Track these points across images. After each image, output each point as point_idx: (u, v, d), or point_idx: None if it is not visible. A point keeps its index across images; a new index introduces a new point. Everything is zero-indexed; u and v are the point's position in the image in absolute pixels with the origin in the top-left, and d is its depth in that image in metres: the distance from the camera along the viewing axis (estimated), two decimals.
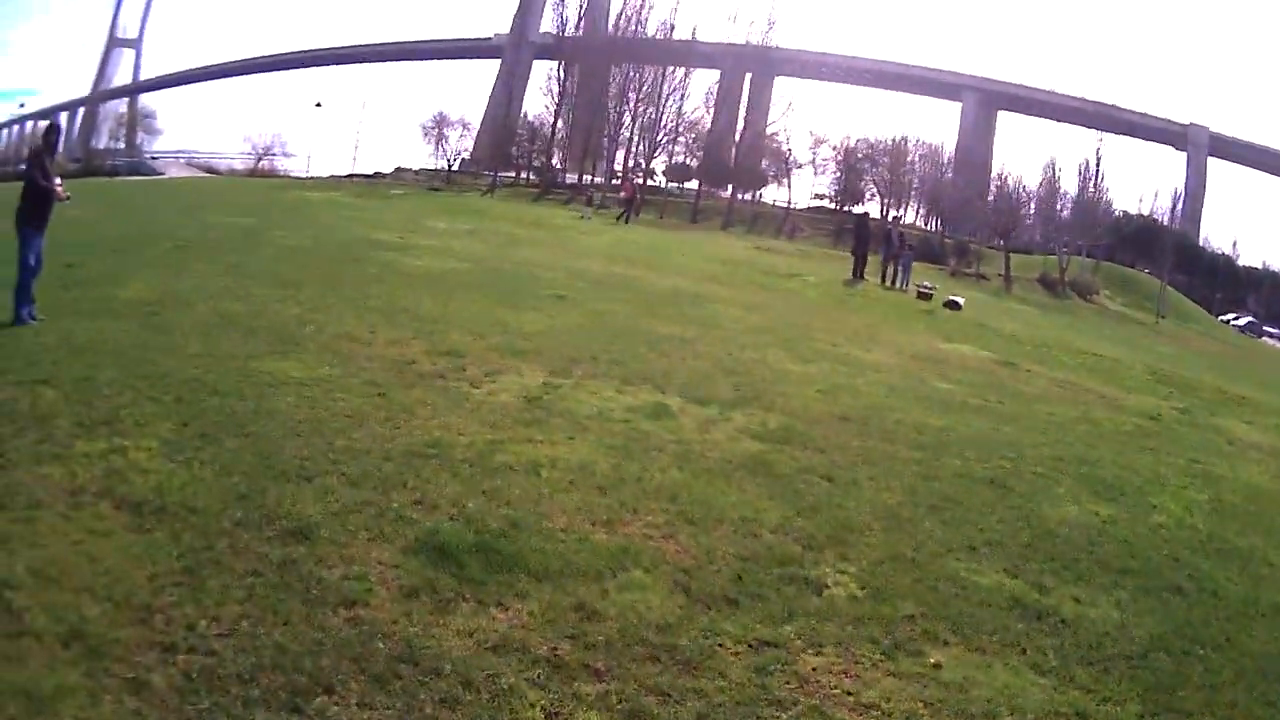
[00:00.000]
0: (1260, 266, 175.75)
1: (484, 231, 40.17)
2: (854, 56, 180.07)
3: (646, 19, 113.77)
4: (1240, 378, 45.78)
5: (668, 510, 9.62)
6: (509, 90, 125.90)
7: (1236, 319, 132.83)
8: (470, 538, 8.20)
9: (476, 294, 21.83)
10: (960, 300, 36.73)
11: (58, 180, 15.76)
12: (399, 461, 9.98)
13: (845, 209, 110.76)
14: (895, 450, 12.76)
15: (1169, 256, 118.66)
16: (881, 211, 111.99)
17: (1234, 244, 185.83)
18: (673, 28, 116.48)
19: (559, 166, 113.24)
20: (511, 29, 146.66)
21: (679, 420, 12.81)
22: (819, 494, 10.67)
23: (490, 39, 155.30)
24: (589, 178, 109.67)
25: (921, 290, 37.90)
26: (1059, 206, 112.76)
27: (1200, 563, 10.38)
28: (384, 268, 24.84)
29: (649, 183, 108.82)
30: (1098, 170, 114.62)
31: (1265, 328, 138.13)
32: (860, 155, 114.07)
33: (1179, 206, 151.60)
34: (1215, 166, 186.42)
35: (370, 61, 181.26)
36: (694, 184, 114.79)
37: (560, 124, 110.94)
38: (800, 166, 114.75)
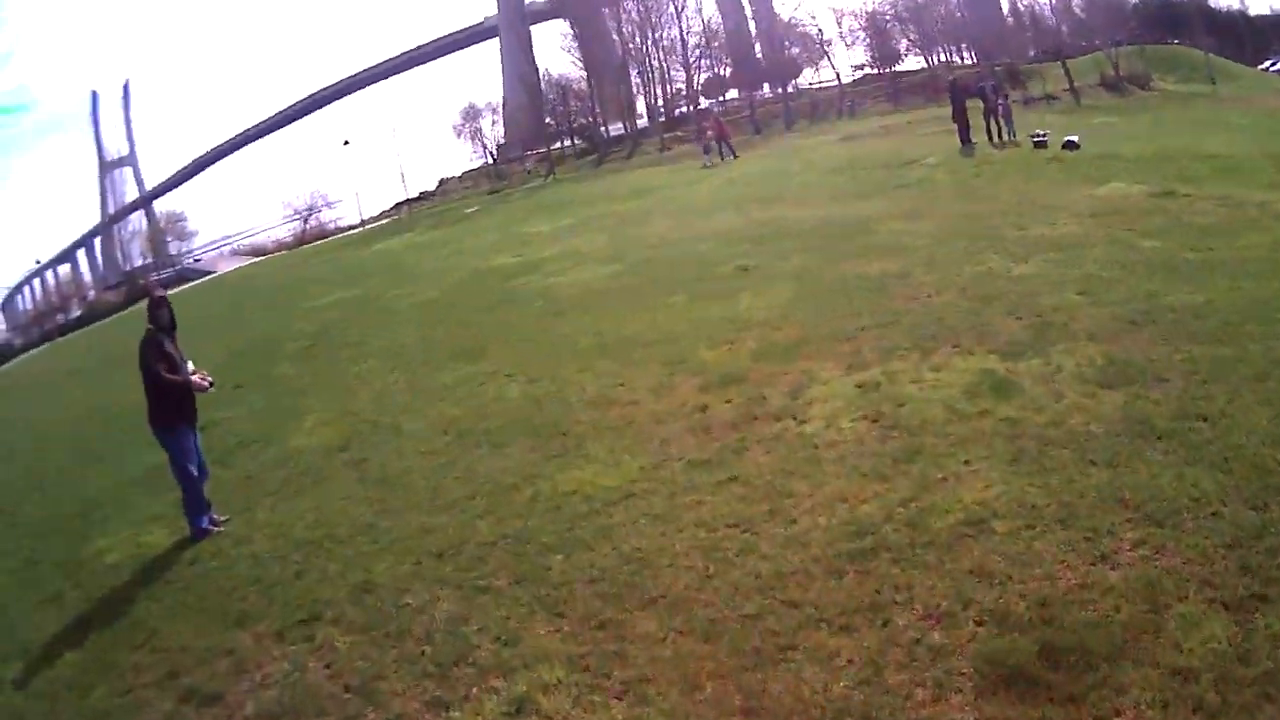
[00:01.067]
0: (1270, 12, 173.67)
1: (591, 221, 39.08)
2: None
3: None
4: None
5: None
6: (523, 63, 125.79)
7: (1274, 64, 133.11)
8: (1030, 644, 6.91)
9: (661, 295, 21.07)
10: (1076, 139, 35.93)
11: (190, 365, 13.07)
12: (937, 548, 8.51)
13: (890, 71, 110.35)
14: (1232, 352, 11.78)
15: (1200, 24, 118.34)
16: (927, 62, 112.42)
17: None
18: None
19: (601, 121, 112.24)
20: (499, 6, 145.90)
21: (1026, 390, 11.66)
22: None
23: (483, 22, 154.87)
24: (625, 126, 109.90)
25: (1036, 140, 37.14)
26: (1079, 10, 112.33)
27: None
28: (540, 295, 24.10)
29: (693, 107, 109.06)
30: None
31: None
32: (885, 16, 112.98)
33: None
34: None
35: (379, 81, 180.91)
36: (733, 94, 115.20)
37: (592, 80, 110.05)
38: (830, 44, 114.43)
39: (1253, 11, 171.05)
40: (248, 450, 16.55)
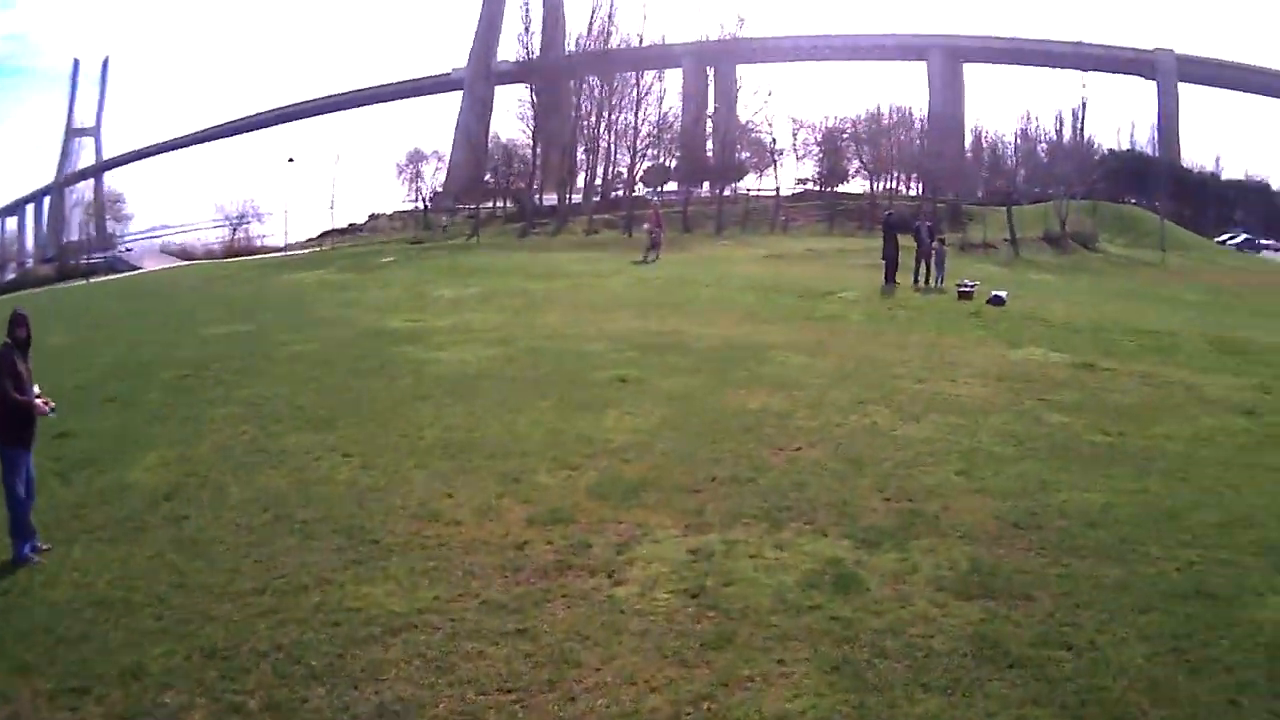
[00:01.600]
0: (1244, 177, 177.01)
1: (496, 296, 38.03)
2: (818, 35, 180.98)
3: (611, 31, 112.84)
4: (1269, 313, 46.54)
5: None
6: (475, 122, 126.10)
7: (1232, 238, 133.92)
8: None
9: (531, 395, 19.92)
10: (1003, 294, 35.05)
11: (35, 389, 12.72)
12: None
13: (831, 190, 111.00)
14: (1119, 575, 11.04)
15: (1163, 187, 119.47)
16: (870, 187, 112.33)
17: (1216, 160, 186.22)
18: (641, 37, 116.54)
19: (536, 189, 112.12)
20: (470, 60, 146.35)
21: (871, 589, 10.64)
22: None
23: (450, 74, 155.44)
24: (563, 197, 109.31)
25: (962, 290, 36.16)
26: (1043, 154, 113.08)
27: None
28: (413, 371, 23.05)
29: (628, 193, 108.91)
30: (1083, 110, 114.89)
31: (1261, 241, 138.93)
32: (843, 134, 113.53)
33: (1156, 135, 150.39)
34: (1185, 91, 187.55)
35: (337, 110, 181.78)
36: (671, 186, 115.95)
37: (539, 148, 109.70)
38: (782, 154, 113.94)
39: (1225, 175, 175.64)
40: (89, 470, 16.20)
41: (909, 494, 13.70)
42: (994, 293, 35.20)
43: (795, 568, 11.15)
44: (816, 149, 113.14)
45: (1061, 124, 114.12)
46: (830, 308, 33.02)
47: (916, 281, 39.70)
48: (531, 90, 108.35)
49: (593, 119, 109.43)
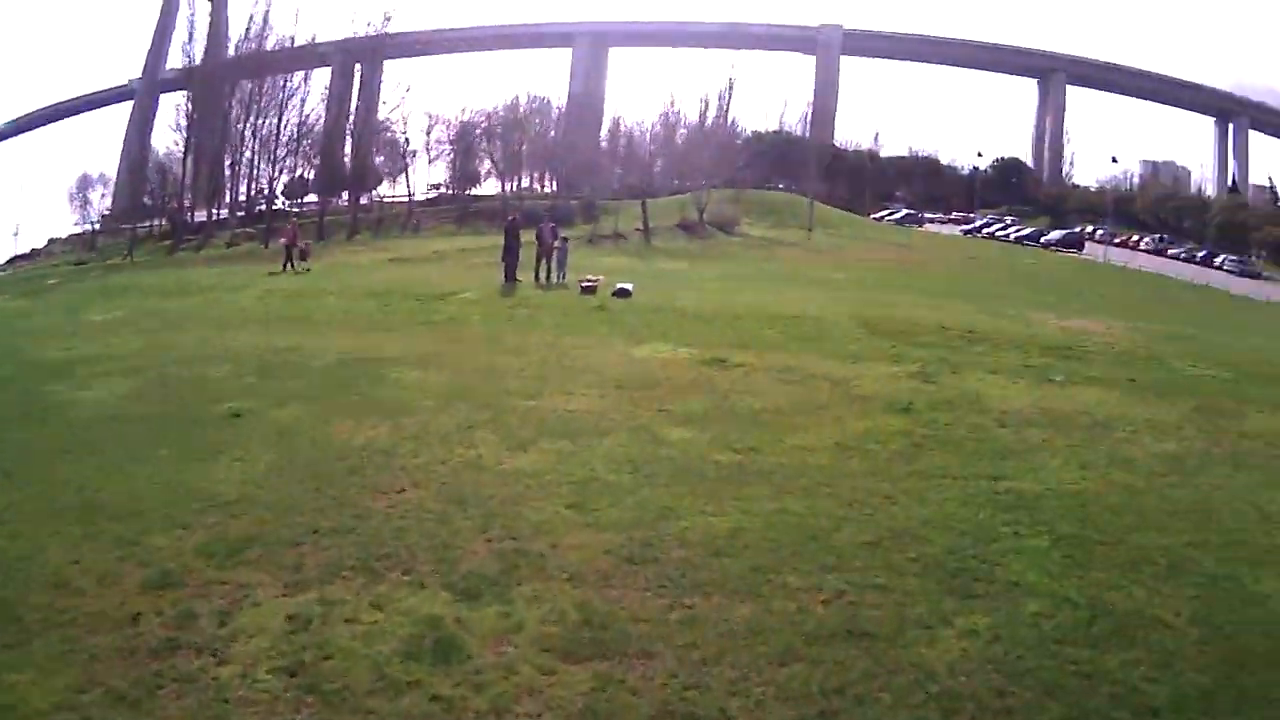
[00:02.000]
0: (907, 154, 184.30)
1: (140, 317, 35.10)
2: (469, 27, 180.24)
3: (267, 34, 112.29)
4: (930, 290, 49.27)
5: None
6: (136, 136, 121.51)
7: (892, 214, 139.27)
8: None
9: (153, 442, 17.71)
10: (629, 287, 34.87)
11: None
12: None
13: (464, 193, 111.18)
14: (752, 614, 10.45)
15: (810, 169, 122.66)
16: (502, 187, 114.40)
17: (875, 137, 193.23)
18: (293, 39, 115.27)
19: (188, 207, 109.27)
20: (143, 72, 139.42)
21: (473, 655, 9.76)
22: None
23: (127, 84, 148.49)
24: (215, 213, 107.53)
25: (585, 285, 35.88)
26: (681, 143, 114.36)
27: None
28: (58, 414, 20.55)
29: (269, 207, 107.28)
30: (729, 94, 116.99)
31: (926, 215, 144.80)
32: (477, 130, 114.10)
33: (809, 115, 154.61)
34: (850, 65, 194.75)
35: (21, 133, 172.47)
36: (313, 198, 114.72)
37: (190, 160, 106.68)
38: (415, 156, 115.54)
39: (885, 153, 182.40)
40: None
41: (513, 530, 12.97)
42: (619, 285, 34.97)
43: (393, 633, 10.26)
44: (449, 148, 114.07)
45: (706, 109, 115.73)
46: (450, 309, 32.01)
47: (537, 279, 39.34)
48: (187, 100, 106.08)
49: (239, 126, 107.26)
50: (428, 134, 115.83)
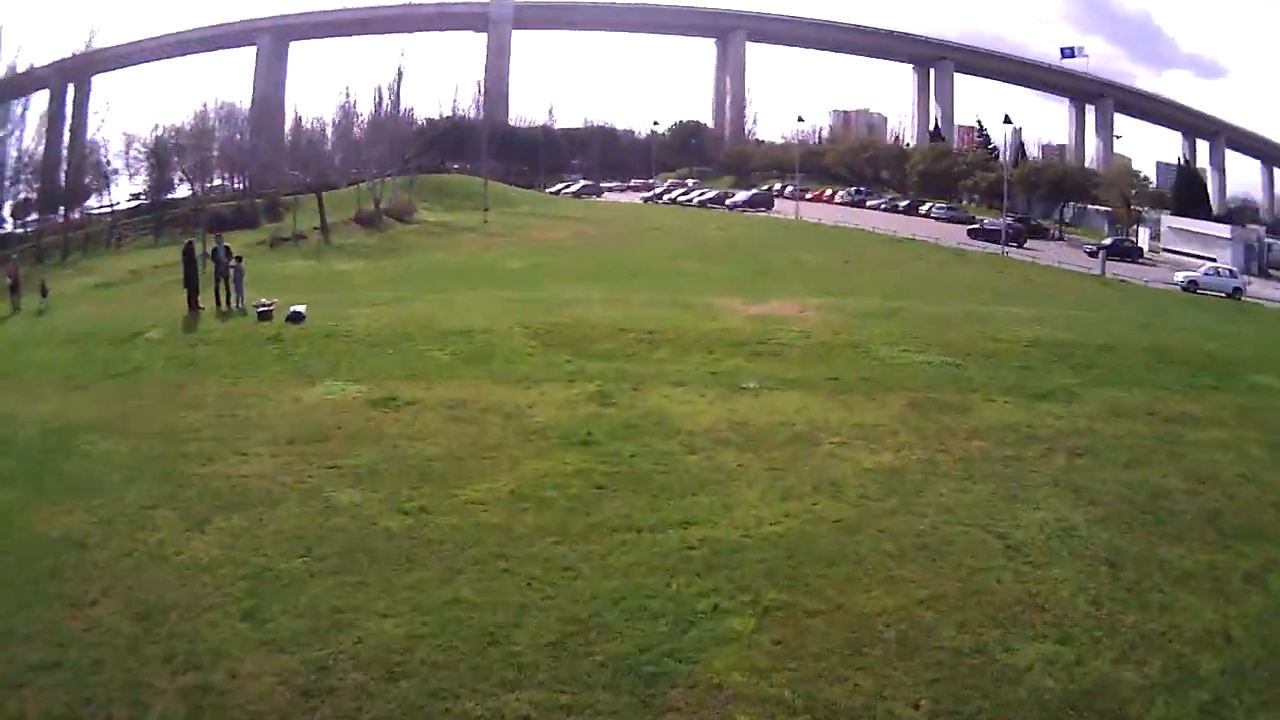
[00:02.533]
0: (583, 124, 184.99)
1: None
2: (159, 35, 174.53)
3: None
4: (608, 273, 49.75)
5: None
6: None
7: (568, 187, 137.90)
8: None
9: None
10: (302, 309, 33.63)
11: None
12: None
13: (160, 201, 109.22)
14: None
15: (481, 148, 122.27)
16: (195, 191, 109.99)
17: (550, 111, 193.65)
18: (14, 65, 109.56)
19: None
20: None
21: None
22: None
23: None
24: None
25: (261, 309, 34.44)
26: (359, 134, 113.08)
27: None
28: None
29: None
30: (399, 81, 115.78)
31: (603, 184, 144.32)
32: (169, 143, 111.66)
33: (480, 95, 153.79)
34: (524, 40, 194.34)
35: None
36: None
37: None
38: (116, 174, 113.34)
39: (561, 124, 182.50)
40: None
41: (196, 660, 11.90)
42: (292, 308, 33.85)
43: None
44: (145, 164, 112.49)
45: (381, 99, 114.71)
46: (137, 355, 30.52)
47: (218, 303, 37.79)
48: None
49: None
50: (126, 151, 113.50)
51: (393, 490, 17.08)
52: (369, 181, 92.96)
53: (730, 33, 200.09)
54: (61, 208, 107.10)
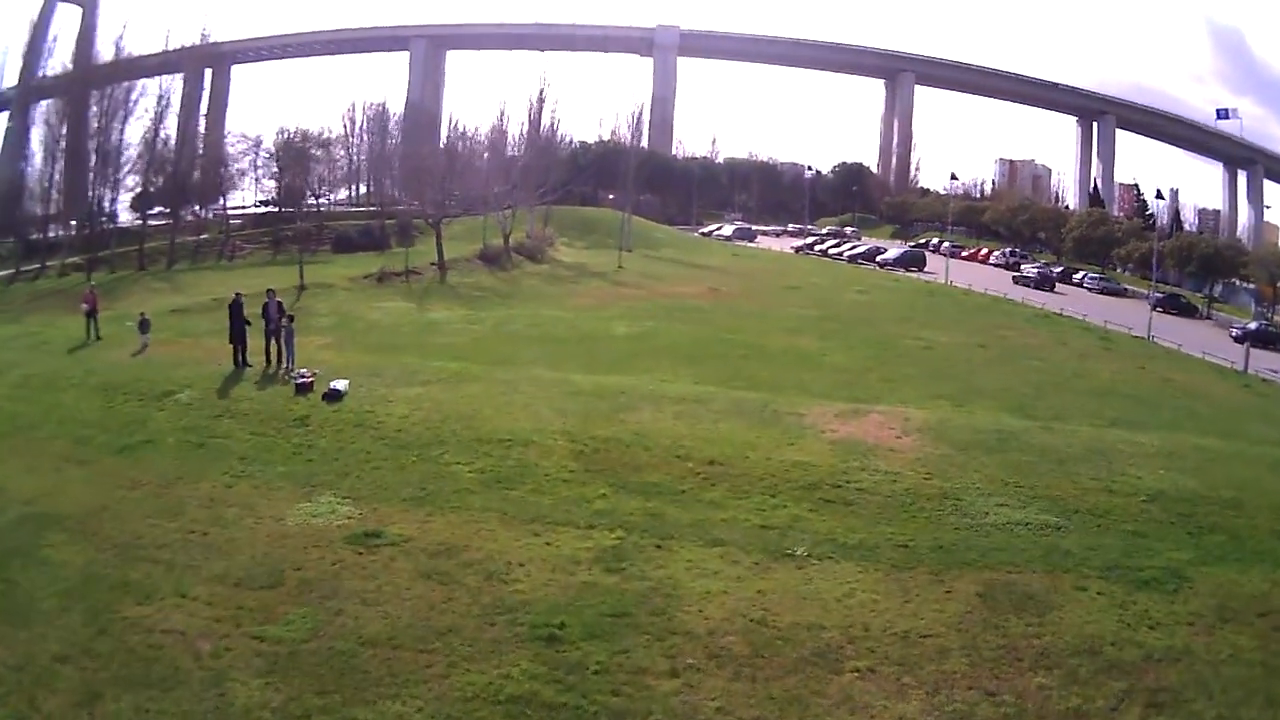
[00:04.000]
0: (753, 157, 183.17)
1: None
2: (309, 31, 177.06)
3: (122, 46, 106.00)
4: (717, 352, 45.99)
5: None
6: (21, 144, 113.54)
7: (720, 229, 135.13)
8: None
9: None
10: (342, 386, 31.62)
11: None
12: None
13: (287, 210, 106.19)
14: None
15: (630, 179, 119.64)
16: (319, 204, 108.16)
17: (713, 142, 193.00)
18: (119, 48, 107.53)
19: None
20: (21, 76, 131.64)
21: None
22: None
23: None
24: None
25: (300, 381, 32.49)
26: (511, 153, 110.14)
27: None
28: None
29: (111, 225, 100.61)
30: (553, 102, 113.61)
31: (758, 228, 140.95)
32: (297, 147, 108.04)
33: (634, 121, 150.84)
34: (689, 68, 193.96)
35: None
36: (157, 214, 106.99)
37: (54, 173, 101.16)
38: (244, 175, 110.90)
39: (723, 157, 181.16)
40: None
41: None
42: (333, 384, 31.79)
43: None
44: (269, 168, 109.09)
45: (533, 119, 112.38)
46: (157, 421, 29.40)
47: (268, 362, 36.02)
48: (58, 107, 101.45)
49: (97, 137, 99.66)
50: (254, 153, 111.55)
51: (295, 694, 15.47)
52: (499, 213, 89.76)
53: (899, 75, 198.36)
54: (182, 207, 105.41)
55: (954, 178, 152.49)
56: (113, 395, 32.29)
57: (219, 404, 31.10)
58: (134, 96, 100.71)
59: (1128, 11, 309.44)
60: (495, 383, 33.05)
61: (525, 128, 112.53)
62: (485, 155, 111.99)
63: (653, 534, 21.91)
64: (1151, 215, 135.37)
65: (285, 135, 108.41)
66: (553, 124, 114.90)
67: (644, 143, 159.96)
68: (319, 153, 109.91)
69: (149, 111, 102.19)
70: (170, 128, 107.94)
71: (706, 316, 60.34)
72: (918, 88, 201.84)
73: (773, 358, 46.37)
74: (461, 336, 49.07)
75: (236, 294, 37.77)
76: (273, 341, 36.45)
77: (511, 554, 20.65)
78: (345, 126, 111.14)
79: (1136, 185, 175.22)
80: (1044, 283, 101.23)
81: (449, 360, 38.51)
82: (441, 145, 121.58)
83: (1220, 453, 30.28)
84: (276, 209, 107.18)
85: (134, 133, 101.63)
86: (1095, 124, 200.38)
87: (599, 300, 67.66)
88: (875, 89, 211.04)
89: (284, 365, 35.43)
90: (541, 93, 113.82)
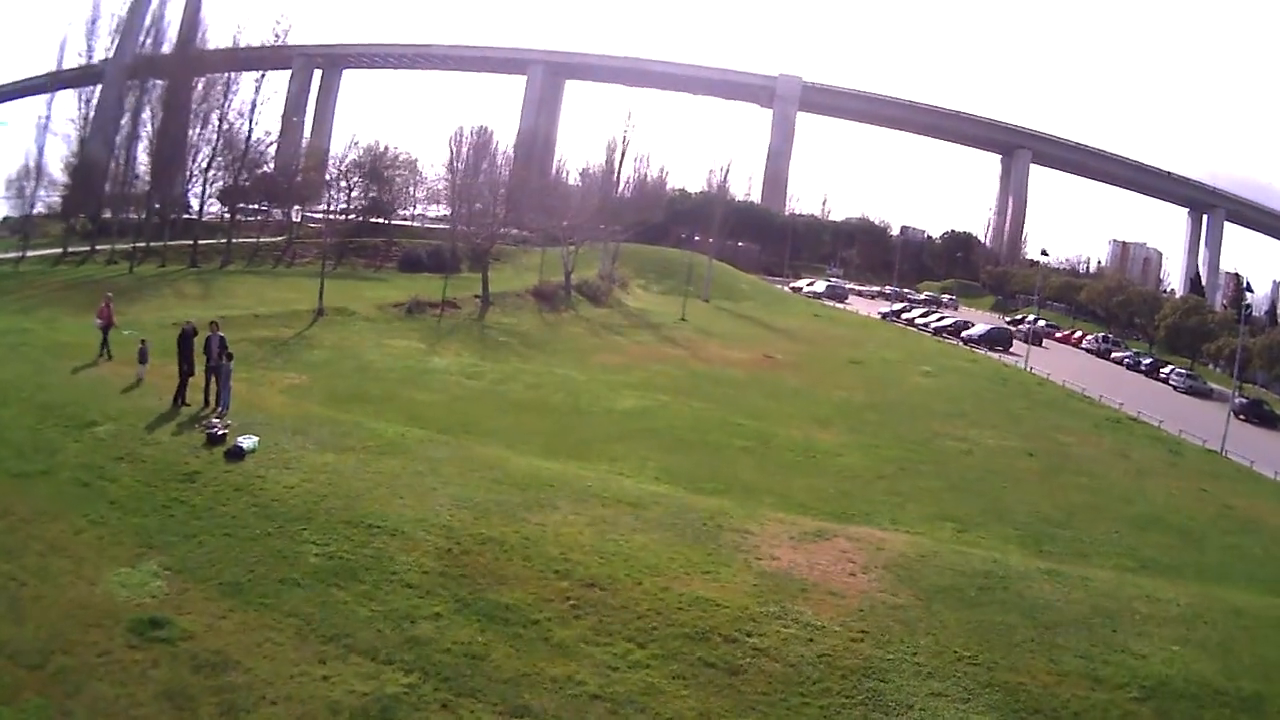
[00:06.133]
0: (858, 217, 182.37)
1: None
2: (424, 44, 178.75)
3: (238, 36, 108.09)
4: (707, 444, 42.79)
5: None
6: (115, 121, 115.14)
7: (812, 285, 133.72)
8: None
9: None
10: (248, 444, 30.22)
11: None
12: None
13: (376, 222, 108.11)
14: None
15: (716, 228, 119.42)
16: (387, 219, 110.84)
17: (824, 202, 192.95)
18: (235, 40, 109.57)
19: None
20: (116, 53, 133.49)
21: None
22: None
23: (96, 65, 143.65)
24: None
25: (211, 432, 31.16)
26: (620, 190, 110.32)
27: None
28: None
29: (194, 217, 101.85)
30: (624, 144, 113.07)
31: (853, 286, 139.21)
32: (387, 160, 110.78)
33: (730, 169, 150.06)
34: (810, 121, 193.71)
35: None
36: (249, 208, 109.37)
37: (138, 156, 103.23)
38: (330, 182, 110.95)
39: (835, 215, 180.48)
40: None
41: None
42: (239, 441, 30.38)
43: None
44: (358, 173, 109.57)
45: (641, 161, 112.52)
46: (65, 453, 29.02)
47: (206, 400, 34.89)
48: (141, 88, 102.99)
49: (196, 126, 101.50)
50: (340, 161, 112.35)
51: None
52: (564, 248, 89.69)
53: (1015, 150, 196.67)
54: (281, 206, 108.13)
55: (1044, 254, 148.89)
56: (46, 416, 32.07)
57: (128, 444, 30.48)
58: (233, 88, 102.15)
59: (1245, 104, 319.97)
60: (418, 459, 31.54)
61: (632, 164, 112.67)
62: (587, 187, 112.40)
63: (452, 686, 19.60)
64: (1248, 307, 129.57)
65: (376, 148, 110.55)
66: (661, 170, 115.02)
67: (756, 196, 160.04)
68: (404, 173, 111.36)
69: (250, 105, 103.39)
70: (265, 124, 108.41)
71: (733, 394, 56.77)
72: (1032, 165, 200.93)
73: (773, 454, 42.47)
74: (443, 393, 47.03)
75: (187, 322, 36.99)
76: (212, 379, 35.35)
77: (274, 687, 18.98)
78: (452, 148, 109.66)
79: (1238, 275, 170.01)
80: (1136, 369, 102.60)
81: (404, 422, 37.25)
82: (553, 173, 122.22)
83: (1258, 617, 26.19)
84: (360, 219, 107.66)
85: (229, 125, 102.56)
86: (1205, 216, 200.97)
87: (629, 360, 65.03)
88: (988, 159, 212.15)
89: (217, 409, 34.33)
90: (623, 135, 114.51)
